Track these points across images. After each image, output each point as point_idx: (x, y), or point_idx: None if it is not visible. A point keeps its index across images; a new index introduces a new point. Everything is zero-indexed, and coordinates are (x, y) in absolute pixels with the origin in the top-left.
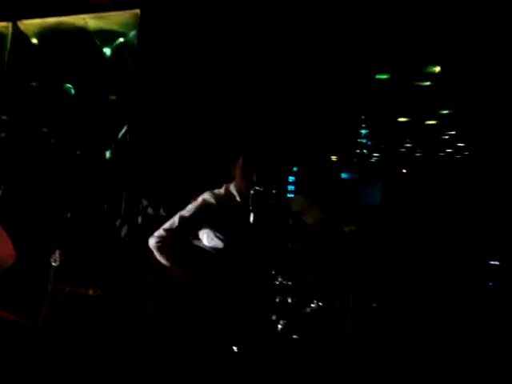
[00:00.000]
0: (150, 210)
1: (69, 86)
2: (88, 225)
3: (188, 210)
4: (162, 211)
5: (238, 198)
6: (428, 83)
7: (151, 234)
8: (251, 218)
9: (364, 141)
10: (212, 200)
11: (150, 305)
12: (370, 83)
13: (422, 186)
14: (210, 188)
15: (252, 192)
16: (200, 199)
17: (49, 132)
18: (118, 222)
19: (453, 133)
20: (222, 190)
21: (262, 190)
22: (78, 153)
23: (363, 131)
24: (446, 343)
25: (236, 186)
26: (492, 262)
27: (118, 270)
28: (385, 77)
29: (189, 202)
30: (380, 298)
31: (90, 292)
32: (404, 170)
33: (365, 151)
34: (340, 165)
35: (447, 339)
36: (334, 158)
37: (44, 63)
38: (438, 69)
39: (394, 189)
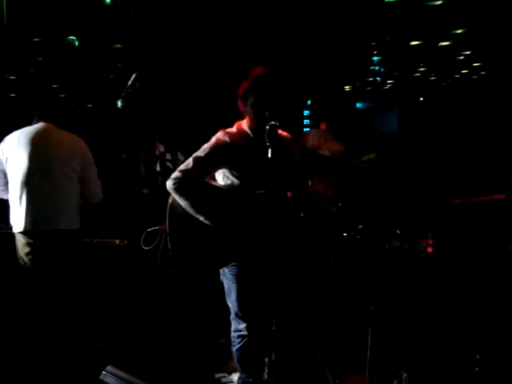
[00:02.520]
0: (167, 156)
1: (72, 37)
2: (109, 176)
3: (202, 150)
4: (179, 155)
5: (251, 135)
6: (439, 2)
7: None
8: (269, 153)
9: (377, 68)
10: (226, 138)
11: (171, 250)
12: (378, 8)
13: (438, 111)
14: (224, 127)
15: (267, 127)
16: (213, 139)
17: (59, 88)
18: (139, 171)
19: (468, 53)
20: (234, 129)
21: (277, 124)
22: (89, 105)
23: (375, 58)
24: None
25: (248, 124)
26: None
27: (143, 219)
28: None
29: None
30: (402, 223)
31: (117, 242)
32: (421, 98)
33: (378, 79)
34: (354, 94)
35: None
36: (347, 87)
37: (43, 16)
38: None
39: (410, 115)
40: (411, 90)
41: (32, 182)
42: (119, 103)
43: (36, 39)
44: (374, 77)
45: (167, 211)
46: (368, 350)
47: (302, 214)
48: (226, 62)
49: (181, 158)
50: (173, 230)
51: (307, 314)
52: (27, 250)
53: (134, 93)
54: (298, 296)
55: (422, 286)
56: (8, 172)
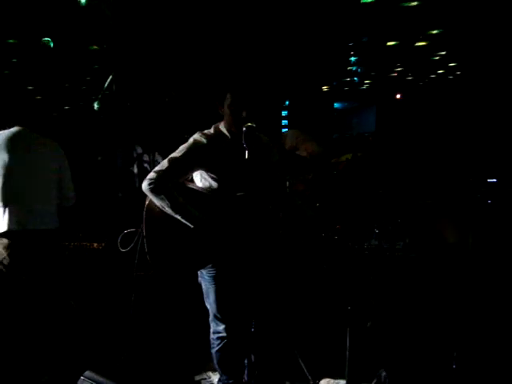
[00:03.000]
0: (145, 157)
1: (47, 39)
2: (84, 178)
3: (178, 151)
4: (157, 157)
5: (228, 136)
6: (415, 3)
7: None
8: (246, 155)
9: (354, 68)
10: (202, 139)
11: (148, 252)
12: (355, 8)
13: (416, 110)
14: (202, 128)
15: (244, 128)
16: (190, 140)
17: (34, 90)
18: (114, 173)
19: (443, 53)
20: (211, 130)
21: (254, 125)
22: (66, 107)
23: (352, 58)
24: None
25: (226, 125)
26: (490, 180)
27: (120, 221)
28: (369, 0)
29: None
30: (381, 222)
31: (95, 245)
32: (398, 96)
33: (355, 79)
34: (332, 95)
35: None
36: (325, 88)
37: (18, 17)
38: None
39: (387, 115)
40: (388, 90)
41: (16, 184)
42: (96, 105)
43: (11, 41)
44: (352, 77)
45: (144, 213)
46: (347, 350)
47: (280, 215)
48: (202, 62)
49: (158, 159)
50: (149, 231)
51: (286, 315)
52: (5, 252)
53: (110, 94)
54: (277, 297)
55: (401, 285)
56: None
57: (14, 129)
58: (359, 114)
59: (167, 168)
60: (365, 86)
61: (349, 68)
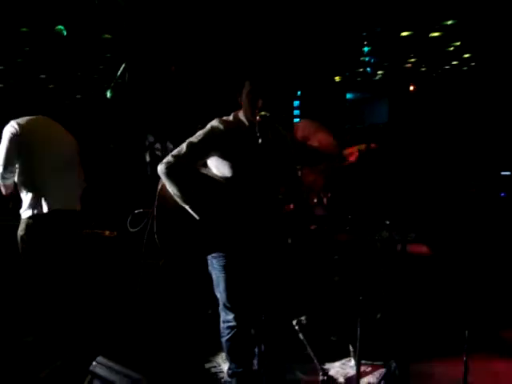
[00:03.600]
0: (157, 146)
1: (61, 27)
2: (97, 167)
3: (196, 136)
4: (169, 145)
5: (246, 124)
6: None
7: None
8: (259, 143)
9: (367, 59)
10: (220, 126)
11: (156, 234)
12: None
13: (429, 102)
14: (215, 116)
15: (258, 117)
16: (208, 125)
17: (46, 78)
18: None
19: (458, 44)
20: (230, 117)
21: (268, 115)
22: (77, 96)
23: (365, 49)
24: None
25: (244, 113)
26: (503, 173)
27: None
28: None
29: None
30: (391, 213)
31: (107, 233)
32: (412, 88)
33: (368, 69)
34: (344, 85)
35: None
36: (337, 78)
37: (31, 6)
38: None
39: (400, 106)
40: (401, 81)
41: (48, 168)
42: (108, 93)
43: (24, 29)
44: (364, 67)
45: (157, 193)
46: (357, 341)
47: (291, 206)
48: (216, 52)
49: (170, 147)
50: (160, 212)
51: (295, 305)
52: (40, 233)
53: (123, 83)
54: (286, 286)
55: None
56: (26, 158)
57: (36, 116)
58: (371, 105)
59: (185, 152)
60: (377, 77)
61: (362, 58)
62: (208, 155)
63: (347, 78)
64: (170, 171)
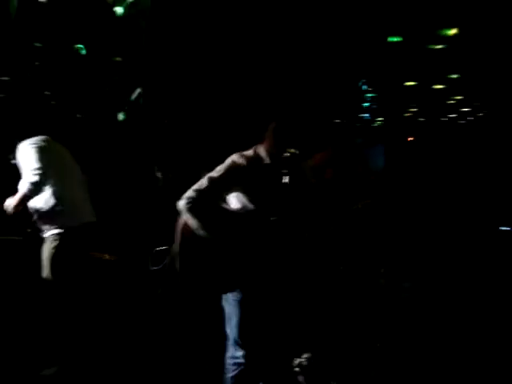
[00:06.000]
0: (160, 175)
1: (80, 46)
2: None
3: (217, 171)
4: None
5: (268, 160)
6: (441, 46)
7: (167, 200)
8: (286, 179)
9: (367, 104)
10: (241, 161)
11: (180, 270)
12: (380, 46)
13: (425, 152)
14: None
15: (287, 155)
16: (229, 160)
17: (51, 95)
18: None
19: (460, 97)
20: (250, 152)
21: (297, 152)
22: (78, 116)
23: (368, 95)
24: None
25: (266, 149)
26: (503, 228)
27: (134, 236)
28: (397, 39)
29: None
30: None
31: (106, 256)
32: (410, 138)
33: (367, 115)
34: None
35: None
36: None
37: (52, 23)
38: (453, 31)
39: (397, 154)
40: (399, 130)
41: (67, 186)
42: (121, 116)
43: (37, 44)
44: (364, 113)
45: (179, 230)
46: (373, 370)
47: (306, 235)
48: (232, 83)
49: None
50: (184, 250)
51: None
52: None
53: (137, 107)
54: (295, 322)
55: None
56: (55, 171)
57: (44, 137)
58: (367, 150)
59: (205, 187)
60: (376, 124)
61: (363, 104)
62: (229, 190)
63: (347, 123)
64: (192, 206)
